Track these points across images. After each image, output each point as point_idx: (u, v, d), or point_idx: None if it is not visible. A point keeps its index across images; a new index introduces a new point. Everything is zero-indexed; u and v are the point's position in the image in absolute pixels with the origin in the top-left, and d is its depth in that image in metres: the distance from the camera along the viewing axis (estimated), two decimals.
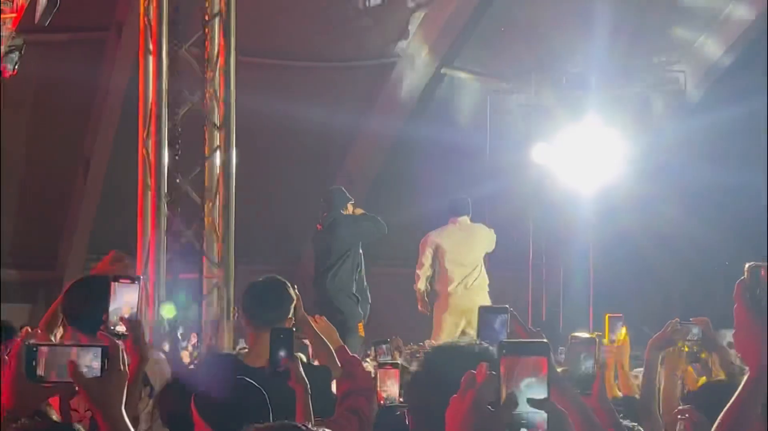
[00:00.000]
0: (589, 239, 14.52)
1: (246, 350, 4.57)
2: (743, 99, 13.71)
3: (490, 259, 15.80)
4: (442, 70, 15.08)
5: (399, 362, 4.82)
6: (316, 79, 14.77)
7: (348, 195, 8.74)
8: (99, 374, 2.33)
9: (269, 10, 13.53)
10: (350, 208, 8.63)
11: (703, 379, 5.42)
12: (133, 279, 3.58)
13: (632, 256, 14.58)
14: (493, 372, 2.04)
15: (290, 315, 4.37)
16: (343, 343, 4.45)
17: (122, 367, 2.34)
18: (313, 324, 4.51)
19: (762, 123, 13.86)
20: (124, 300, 3.52)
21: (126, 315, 3.40)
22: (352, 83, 15.02)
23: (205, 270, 7.28)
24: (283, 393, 3.97)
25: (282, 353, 3.93)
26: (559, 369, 2.76)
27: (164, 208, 7.12)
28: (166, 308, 7.06)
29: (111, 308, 3.52)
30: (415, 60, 14.81)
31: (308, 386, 3.88)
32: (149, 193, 7.12)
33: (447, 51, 14.82)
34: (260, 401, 3.94)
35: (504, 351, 2.07)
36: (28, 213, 14.23)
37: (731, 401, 2.16)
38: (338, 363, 4.32)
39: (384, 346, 9.84)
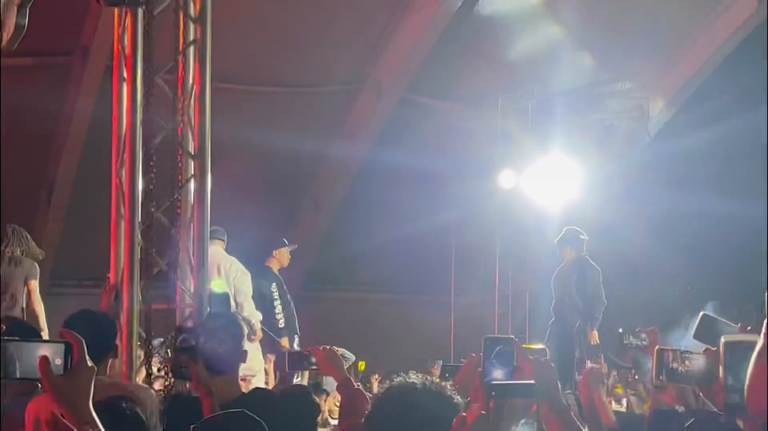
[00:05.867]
0: (555, 264, 14.57)
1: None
2: (707, 125, 13.88)
3: (455, 284, 15.93)
4: (408, 96, 15.12)
5: None
6: (282, 104, 14.73)
7: None
8: (62, 371, 2.24)
9: (236, 36, 13.49)
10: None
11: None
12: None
13: None
14: (483, 412, 2.09)
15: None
16: (348, 376, 4.41)
17: (89, 362, 2.27)
18: (314, 355, 4.45)
19: (725, 149, 14.02)
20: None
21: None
22: (319, 109, 15.00)
23: (178, 301, 7.22)
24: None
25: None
26: None
27: (138, 238, 7.04)
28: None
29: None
30: (381, 86, 14.84)
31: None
32: (122, 222, 7.05)
33: (413, 77, 14.87)
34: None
35: (493, 393, 2.15)
36: None
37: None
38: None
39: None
